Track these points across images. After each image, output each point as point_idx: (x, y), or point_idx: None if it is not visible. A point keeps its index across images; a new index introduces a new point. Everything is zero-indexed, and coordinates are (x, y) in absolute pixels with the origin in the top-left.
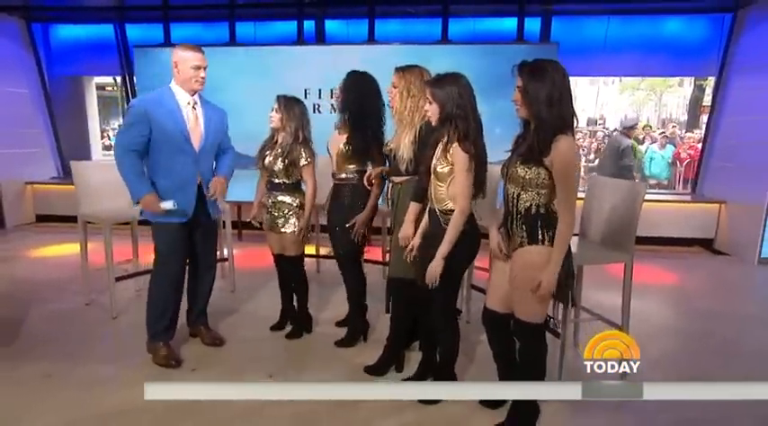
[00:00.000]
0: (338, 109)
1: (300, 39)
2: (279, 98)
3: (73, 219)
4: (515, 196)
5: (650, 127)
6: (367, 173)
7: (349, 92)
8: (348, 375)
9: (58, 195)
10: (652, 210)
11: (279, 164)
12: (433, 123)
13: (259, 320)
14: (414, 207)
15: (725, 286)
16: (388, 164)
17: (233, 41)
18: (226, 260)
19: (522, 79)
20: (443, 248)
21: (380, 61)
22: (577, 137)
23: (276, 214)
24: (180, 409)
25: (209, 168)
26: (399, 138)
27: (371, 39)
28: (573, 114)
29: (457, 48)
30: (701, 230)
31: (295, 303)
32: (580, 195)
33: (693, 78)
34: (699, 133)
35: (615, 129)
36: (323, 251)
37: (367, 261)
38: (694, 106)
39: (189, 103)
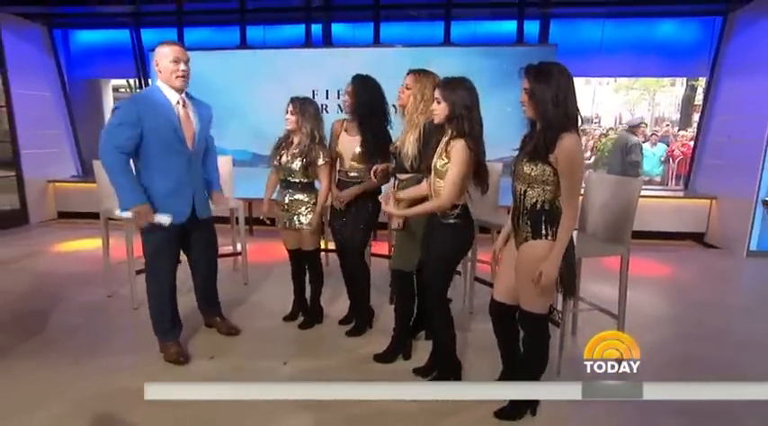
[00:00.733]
0: (347, 112)
1: (308, 42)
2: (293, 100)
3: (92, 216)
4: (522, 193)
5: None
6: (373, 168)
7: (358, 96)
8: (358, 362)
9: (78, 193)
10: (646, 206)
11: (297, 164)
12: (437, 121)
13: (272, 311)
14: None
15: (715, 277)
16: (394, 162)
17: (243, 45)
18: (239, 254)
19: (529, 81)
20: (411, 211)
21: (385, 63)
22: None
23: (293, 211)
24: (217, 379)
25: (200, 167)
26: (405, 137)
27: (377, 41)
28: (577, 113)
29: (459, 50)
30: (693, 224)
31: (307, 295)
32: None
33: (686, 78)
34: (691, 131)
35: (621, 127)
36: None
37: (374, 254)
38: (686, 105)
39: (178, 102)
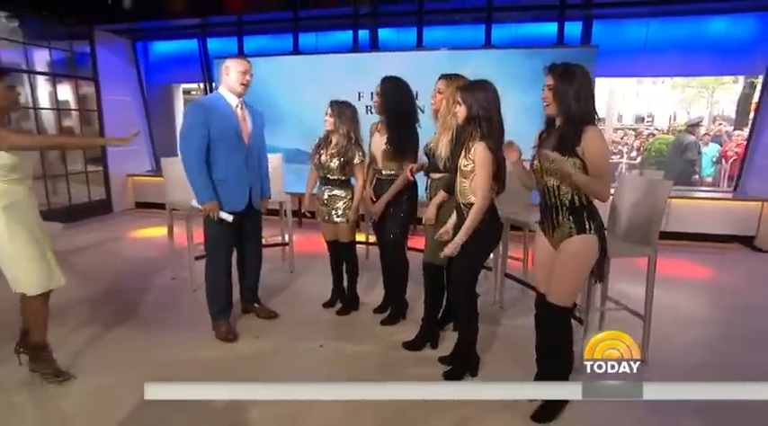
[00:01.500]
0: (377, 112)
1: (356, 47)
2: (332, 104)
3: (162, 206)
4: (556, 188)
5: (702, 124)
6: (409, 167)
7: (386, 96)
8: (388, 348)
9: (152, 185)
10: (693, 207)
11: (335, 163)
12: (458, 122)
13: (313, 297)
14: (441, 194)
15: (762, 282)
16: (428, 162)
17: (296, 51)
18: (287, 244)
19: (554, 79)
20: (461, 235)
21: (428, 65)
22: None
23: (331, 206)
24: (251, 360)
25: (256, 163)
26: (439, 139)
27: (419, 45)
28: (595, 111)
29: (499, 52)
30: (743, 227)
31: (345, 283)
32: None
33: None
34: (747, 131)
35: (673, 127)
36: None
37: (410, 249)
38: (744, 104)
39: (237, 106)
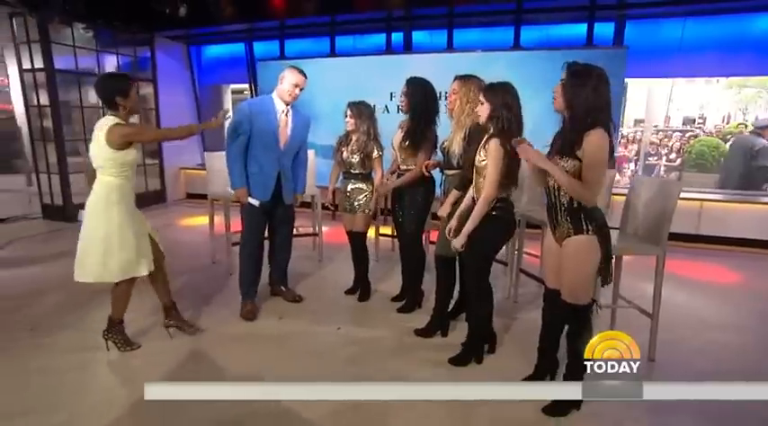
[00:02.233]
0: (403, 111)
1: (389, 49)
2: (350, 105)
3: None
4: (556, 188)
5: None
6: (425, 163)
7: (412, 96)
8: (401, 334)
9: (201, 178)
10: (727, 210)
11: (356, 158)
12: (482, 121)
13: (337, 284)
14: (454, 193)
15: None
16: (443, 159)
17: (333, 53)
18: (316, 234)
19: (567, 76)
20: (468, 226)
21: (458, 66)
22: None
23: (353, 198)
24: (271, 339)
25: (289, 163)
26: (453, 137)
27: (450, 47)
28: (608, 118)
29: (527, 54)
30: None
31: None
32: (622, 191)
33: None
34: None
35: (721, 128)
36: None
37: (431, 243)
38: None
39: (283, 111)
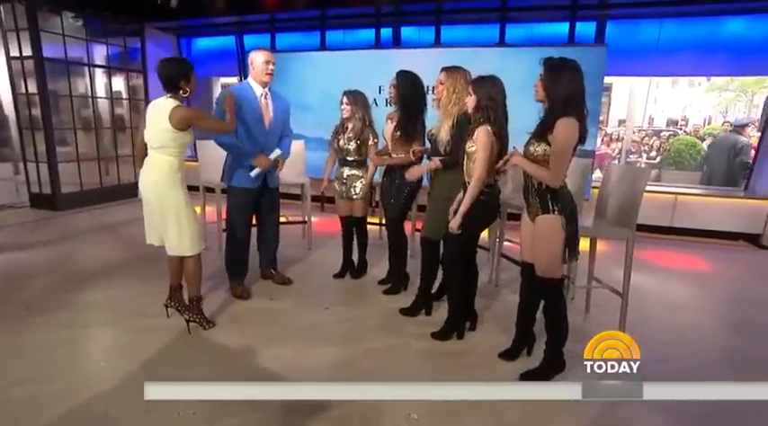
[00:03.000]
0: (393, 102)
1: (378, 44)
2: (346, 93)
3: (198, 189)
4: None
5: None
6: (412, 148)
7: (402, 88)
8: (386, 314)
9: (191, 170)
10: (702, 204)
11: (352, 145)
12: (469, 110)
13: (325, 269)
14: (435, 161)
15: (759, 276)
16: (430, 147)
17: (323, 47)
18: (305, 222)
19: (545, 70)
20: (462, 207)
21: (445, 61)
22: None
23: (349, 184)
24: (262, 315)
25: (275, 145)
26: (441, 125)
27: (437, 42)
28: (582, 106)
29: (512, 51)
30: (750, 225)
31: (356, 255)
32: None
33: None
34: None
35: (703, 130)
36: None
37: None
38: None
39: (262, 94)
